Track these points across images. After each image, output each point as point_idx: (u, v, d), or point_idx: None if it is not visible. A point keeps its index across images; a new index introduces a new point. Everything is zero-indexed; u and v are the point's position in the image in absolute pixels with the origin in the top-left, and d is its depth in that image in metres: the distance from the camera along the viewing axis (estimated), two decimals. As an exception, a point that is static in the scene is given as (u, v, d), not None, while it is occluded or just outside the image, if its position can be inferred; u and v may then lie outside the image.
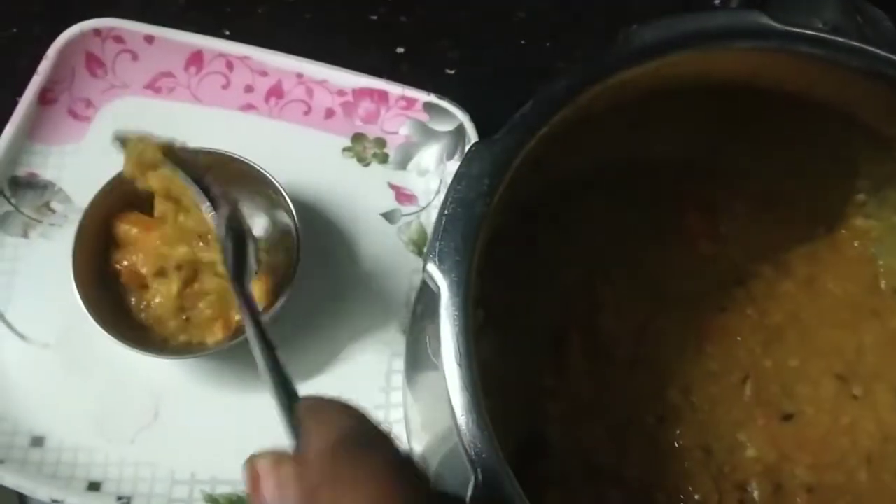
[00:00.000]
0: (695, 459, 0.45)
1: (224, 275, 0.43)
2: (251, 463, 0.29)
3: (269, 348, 0.35)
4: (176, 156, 0.45)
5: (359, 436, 0.29)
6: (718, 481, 0.45)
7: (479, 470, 0.31)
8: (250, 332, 0.36)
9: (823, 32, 0.40)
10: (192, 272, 0.48)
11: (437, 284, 0.34)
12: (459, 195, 0.35)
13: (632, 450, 0.44)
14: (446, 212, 0.35)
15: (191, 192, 0.44)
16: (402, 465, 0.29)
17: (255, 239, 0.44)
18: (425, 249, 0.53)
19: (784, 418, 0.47)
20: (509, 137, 0.37)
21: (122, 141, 0.46)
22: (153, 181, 0.45)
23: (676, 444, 0.45)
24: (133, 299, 0.50)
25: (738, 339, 0.47)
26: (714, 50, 0.40)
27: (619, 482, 0.44)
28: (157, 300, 0.49)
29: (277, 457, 0.29)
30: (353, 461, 0.28)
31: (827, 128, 0.46)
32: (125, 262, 0.50)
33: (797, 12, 0.46)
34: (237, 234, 0.43)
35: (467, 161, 0.36)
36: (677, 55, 0.39)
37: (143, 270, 0.49)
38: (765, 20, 0.40)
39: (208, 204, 0.43)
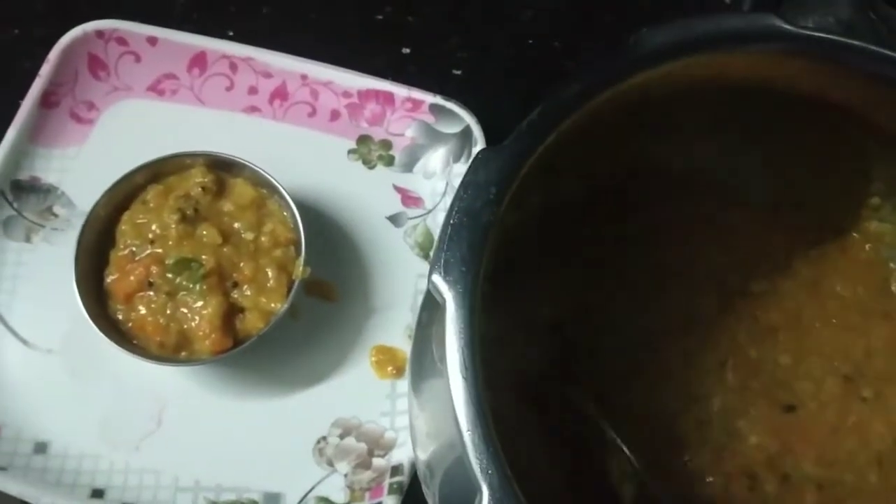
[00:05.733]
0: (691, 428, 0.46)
1: None
2: None
3: None
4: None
5: None
6: (720, 461, 0.45)
7: (484, 487, 0.31)
8: None
9: (837, 35, 0.39)
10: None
11: (442, 296, 0.34)
12: (465, 204, 0.35)
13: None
14: (452, 221, 0.34)
15: None
16: None
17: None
18: (430, 259, 0.53)
19: (786, 409, 0.47)
20: (517, 144, 0.36)
21: None
22: None
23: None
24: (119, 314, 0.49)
25: (721, 325, 0.48)
26: (727, 53, 0.39)
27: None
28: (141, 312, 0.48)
29: None
30: None
31: (841, 131, 0.45)
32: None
33: (810, 13, 0.46)
34: None
35: (473, 169, 0.35)
36: (690, 58, 0.39)
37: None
38: (778, 23, 0.39)
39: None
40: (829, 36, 0.39)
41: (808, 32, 0.39)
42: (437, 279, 0.34)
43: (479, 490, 0.31)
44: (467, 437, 0.31)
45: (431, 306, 0.38)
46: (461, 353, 0.33)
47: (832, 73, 0.40)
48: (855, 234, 0.50)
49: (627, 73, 0.38)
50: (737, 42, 0.39)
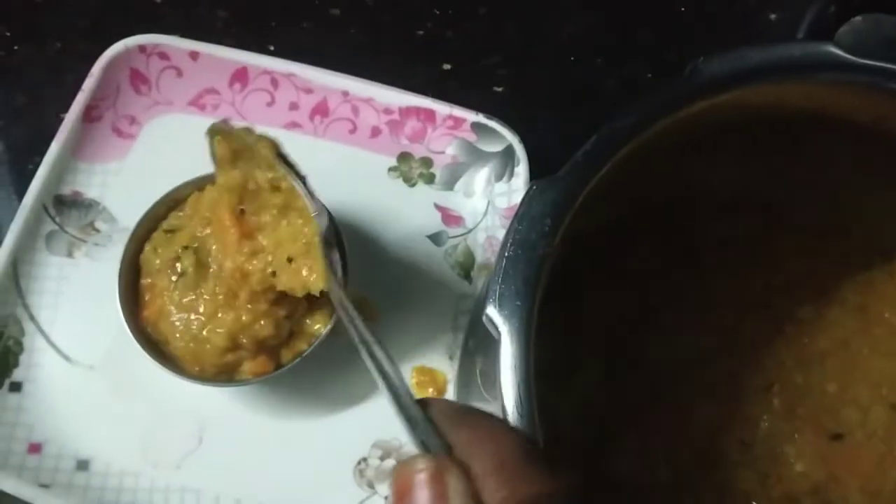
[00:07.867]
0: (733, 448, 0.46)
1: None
2: (403, 469, 0.27)
3: (375, 349, 0.35)
4: (285, 158, 0.45)
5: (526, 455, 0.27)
6: (765, 486, 0.45)
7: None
8: (354, 337, 0.37)
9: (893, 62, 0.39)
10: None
11: (497, 330, 0.33)
12: (520, 237, 0.35)
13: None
14: (507, 254, 0.34)
15: (299, 195, 0.44)
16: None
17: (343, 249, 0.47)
18: (484, 293, 0.52)
19: (833, 437, 0.46)
20: (572, 176, 0.36)
21: (217, 131, 0.46)
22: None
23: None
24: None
25: (768, 348, 0.47)
26: (783, 82, 0.39)
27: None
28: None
29: (439, 465, 0.27)
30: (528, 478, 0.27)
31: (891, 160, 0.44)
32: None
33: (864, 36, 0.45)
34: (329, 242, 0.44)
35: (528, 201, 0.35)
36: (746, 88, 0.38)
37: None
38: (834, 50, 0.39)
39: (315, 207, 0.44)
40: (885, 65, 0.38)
41: (865, 61, 0.38)
42: (493, 312, 0.34)
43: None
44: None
45: (480, 335, 0.38)
46: (517, 390, 0.32)
47: (888, 101, 0.40)
48: (903, 261, 0.50)
49: (683, 103, 0.37)
50: (793, 72, 0.38)
